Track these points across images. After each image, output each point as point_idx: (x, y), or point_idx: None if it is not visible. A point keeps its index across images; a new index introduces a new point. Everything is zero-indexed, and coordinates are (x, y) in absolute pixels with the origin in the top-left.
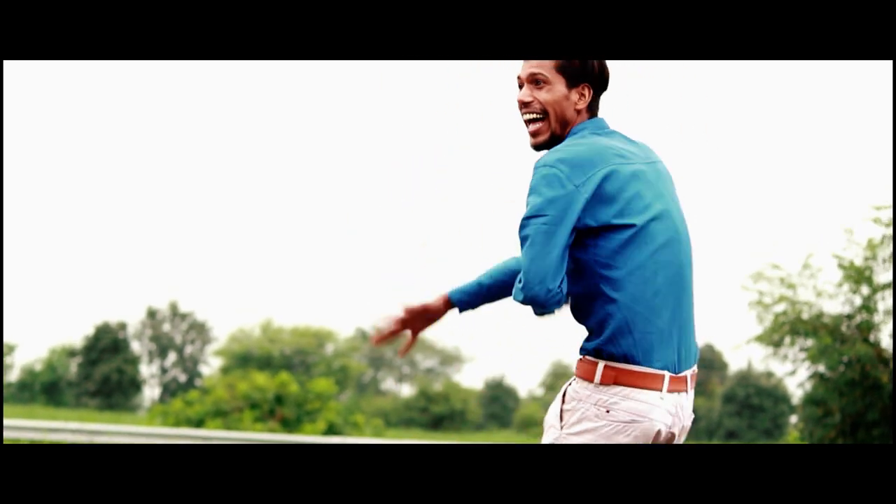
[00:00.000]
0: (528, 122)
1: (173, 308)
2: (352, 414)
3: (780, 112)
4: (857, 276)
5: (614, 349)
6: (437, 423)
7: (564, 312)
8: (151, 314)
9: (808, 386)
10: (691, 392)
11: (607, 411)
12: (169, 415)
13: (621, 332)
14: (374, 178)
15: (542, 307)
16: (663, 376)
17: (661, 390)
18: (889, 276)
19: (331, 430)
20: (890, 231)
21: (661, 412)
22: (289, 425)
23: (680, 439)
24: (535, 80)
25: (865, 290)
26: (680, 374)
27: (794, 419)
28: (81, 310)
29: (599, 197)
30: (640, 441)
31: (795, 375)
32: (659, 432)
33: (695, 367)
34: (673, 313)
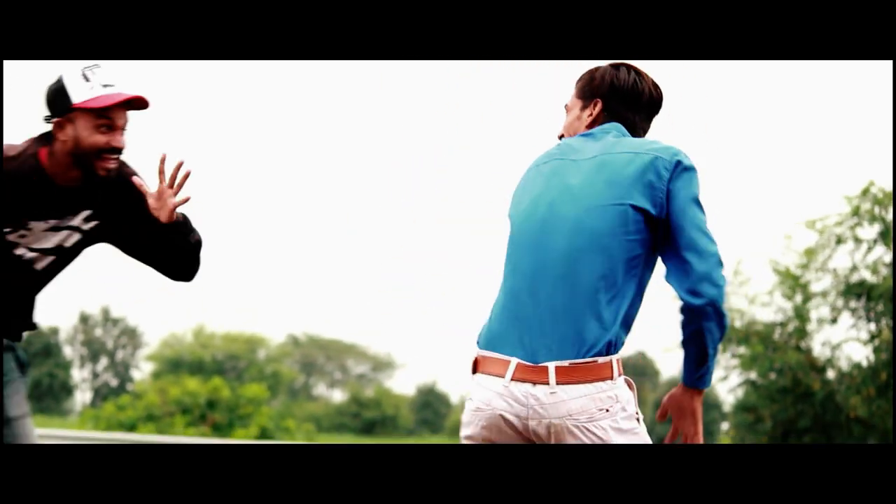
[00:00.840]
0: None
1: (105, 313)
2: (283, 419)
3: (714, 120)
4: (793, 282)
5: (479, 336)
6: (368, 429)
7: None
8: (83, 319)
9: (740, 392)
10: (569, 387)
11: (470, 399)
12: (101, 419)
13: (488, 319)
14: (368, 178)
15: None
16: (508, 362)
17: (503, 377)
18: (822, 285)
19: (263, 434)
20: (824, 239)
21: (504, 402)
22: (221, 430)
23: (558, 438)
24: (566, 111)
25: (798, 297)
26: (539, 364)
27: (725, 426)
28: None
29: (513, 197)
30: (493, 432)
31: (727, 381)
32: (510, 423)
33: (578, 361)
34: (538, 300)
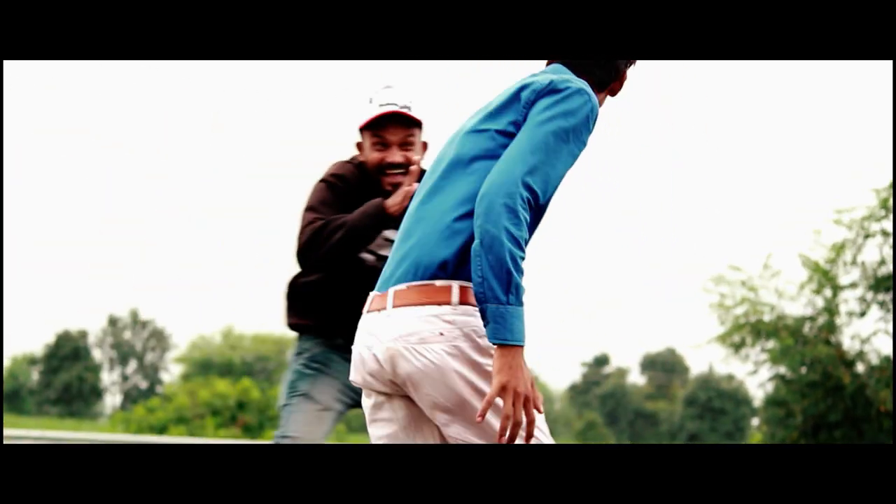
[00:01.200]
0: None
1: (134, 315)
2: None
3: (742, 116)
4: (823, 276)
5: None
6: None
7: None
8: (112, 322)
9: (770, 387)
10: (403, 309)
11: None
12: (131, 422)
13: None
14: None
15: None
16: (368, 296)
17: (364, 312)
18: (851, 278)
19: None
20: (852, 234)
21: (360, 336)
22: (251, 431)
23: (394, 364)
24: None
25: (828, 291)
26: (383, 292)
27: (755, 422)
28: (42, 318)
29: None
30: (356, 373)
31: (757, 375)
32: (363, 357)
33: (414, 283)
34: (404, 234)
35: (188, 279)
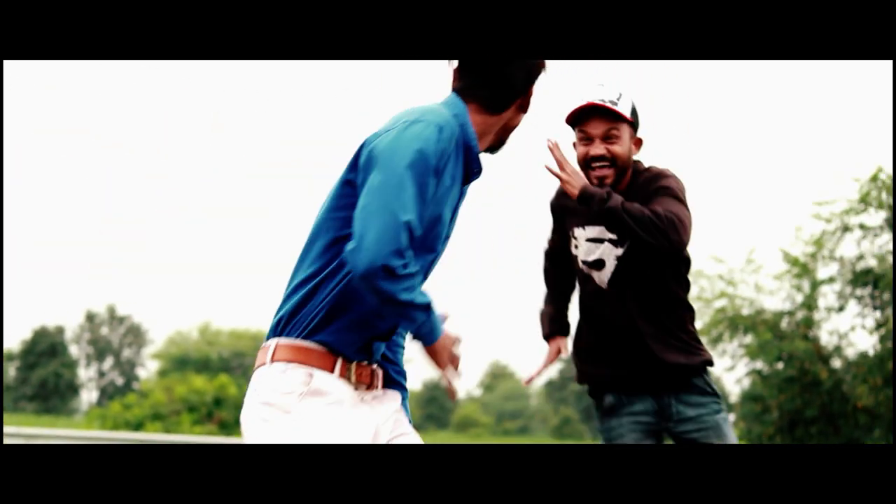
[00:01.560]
0: None
1: (111, 311)
2: None
3: (731, 111)
4: (802, 270)
5: None
6: None
7: None
8: (89, 317)
9: (746, 383)
10: (259, 370)
11: None
12: (107, 418)
13: None
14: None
15: None
16: None
17: None
18: (829, 271)
19: None
20: (832, 226)
21: None
22: (228, 428)
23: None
24: None
25: (806, 286)
26: None
27: (732, 417)
28: (19, 313)
29: None
30: None
31: (734, 371)
32: None
33: (268, 342)
34: None
35: (166, 275)
